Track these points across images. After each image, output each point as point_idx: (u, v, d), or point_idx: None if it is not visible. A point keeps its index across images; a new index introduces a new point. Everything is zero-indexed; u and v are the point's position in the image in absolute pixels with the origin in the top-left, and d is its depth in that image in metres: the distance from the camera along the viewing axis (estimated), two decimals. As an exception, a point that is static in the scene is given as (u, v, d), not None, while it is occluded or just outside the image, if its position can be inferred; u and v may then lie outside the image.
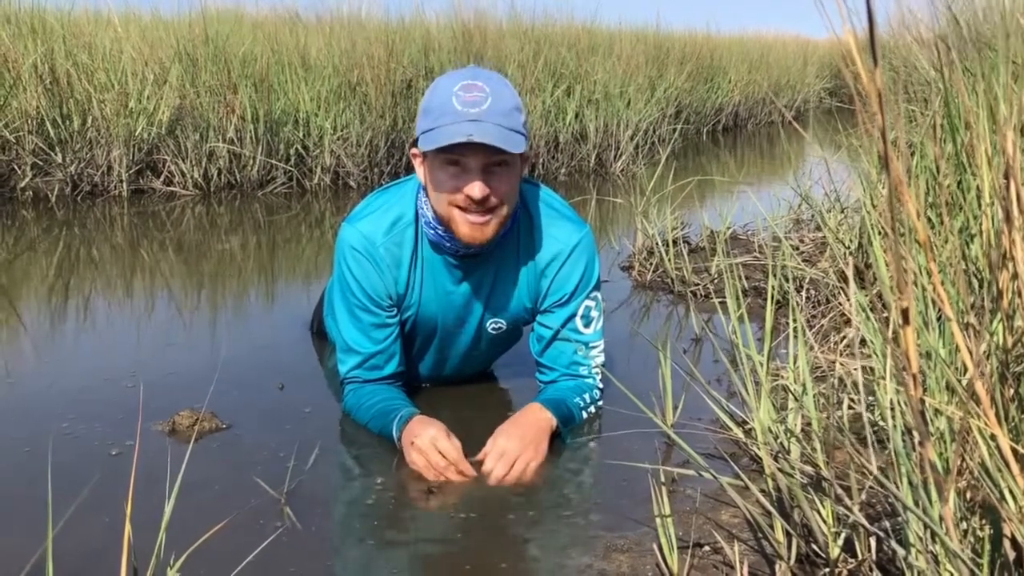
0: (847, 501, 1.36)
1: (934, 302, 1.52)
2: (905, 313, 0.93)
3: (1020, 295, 1.10)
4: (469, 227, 1.98)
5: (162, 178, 5.90)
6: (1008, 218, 1.07)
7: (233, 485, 1.89)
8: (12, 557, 1.55)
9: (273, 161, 6.13)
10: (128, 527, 1.26)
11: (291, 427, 2.21)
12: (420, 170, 2.06)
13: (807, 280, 3.10)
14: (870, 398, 1.79)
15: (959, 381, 1.20)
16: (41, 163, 5.56)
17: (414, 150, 2.06)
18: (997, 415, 1.10)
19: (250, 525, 1.70)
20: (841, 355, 2.31)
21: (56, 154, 5.54)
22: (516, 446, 1.96)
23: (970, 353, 1.06)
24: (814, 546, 1.49)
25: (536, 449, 1.99)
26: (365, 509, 1.81)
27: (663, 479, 1.82)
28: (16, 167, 5.53)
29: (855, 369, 1.56)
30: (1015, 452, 1.06)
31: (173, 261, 4.23)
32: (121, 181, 5.70)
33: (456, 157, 1.92)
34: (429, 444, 1.92)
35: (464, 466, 1.92)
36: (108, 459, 1.98)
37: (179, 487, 1.37)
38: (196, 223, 5.14)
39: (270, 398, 2.42)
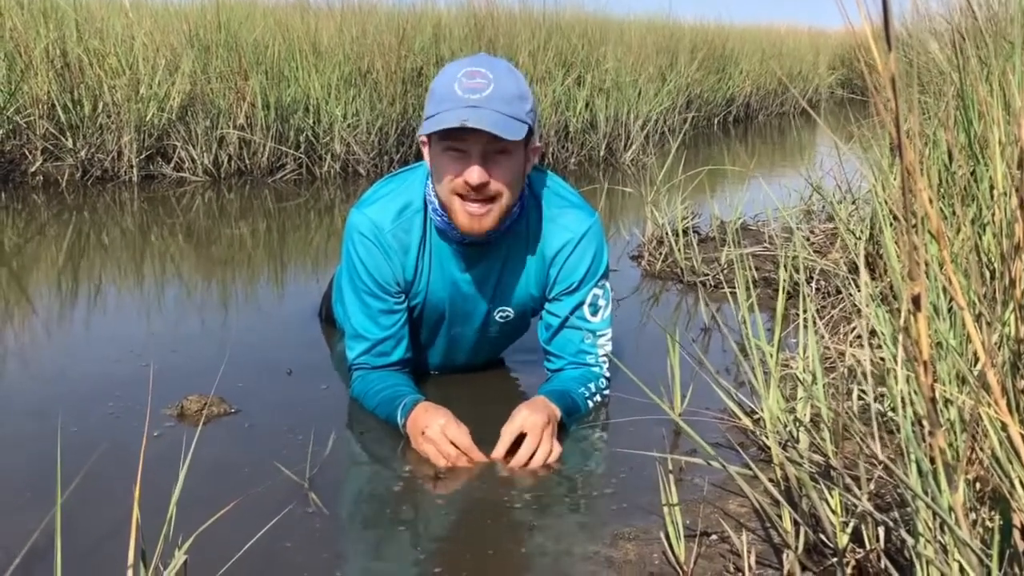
0: (856, 490, 1.36)
1: (945, 291, 1.52)
2: (917, 300, 0.92)
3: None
4: (467, 217, 1.97)
5: (172, 164, 5.90)
6: (1022, 207, 1.06)
7: (244, 469, 1.90)
8: (24, 540, 1.55)
9: (283, 148, 6.13)
10: (136, 509, 1.26)
11: (300, 412, 2.21)
12: (428, 157, 2.06)
13: (817, 271, 3.09)
14: (880, 388, 1.78)
15: (970, 371, 1.19)
16: (52, 148, 5.57)
17: (423, 137, 2.06)
18: (1008, 405, 1.09)
19: (268, 508, 1.70)
20: (851, 345, 2.30)
21: (67, 139, 5.55)
22: (541, 418, 1.95)
23: (982, 343, 1.05)
24: (822, 536, 1.49)
25: (553, 427, 1.99)
26: (389, 495, 1.81)
27: (671, 467, 1.82)
28: (27, 152, 5.54)
29: (865, 359, 1.56)
30: (1026, 442, 1.05)
31: (182, 247, 4.24)
32: (131, 167, 5.71)
33: (456, 144, 1.92)
34: (439, 433, 1.92)
35: (475, 453, 1.92)
36: (117, 443, 1.98)
37: (187, 471, 1.37)
38: (206, 209, 5.14)
39: (279, 383, 2.42)
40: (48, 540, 1.39)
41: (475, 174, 1.92)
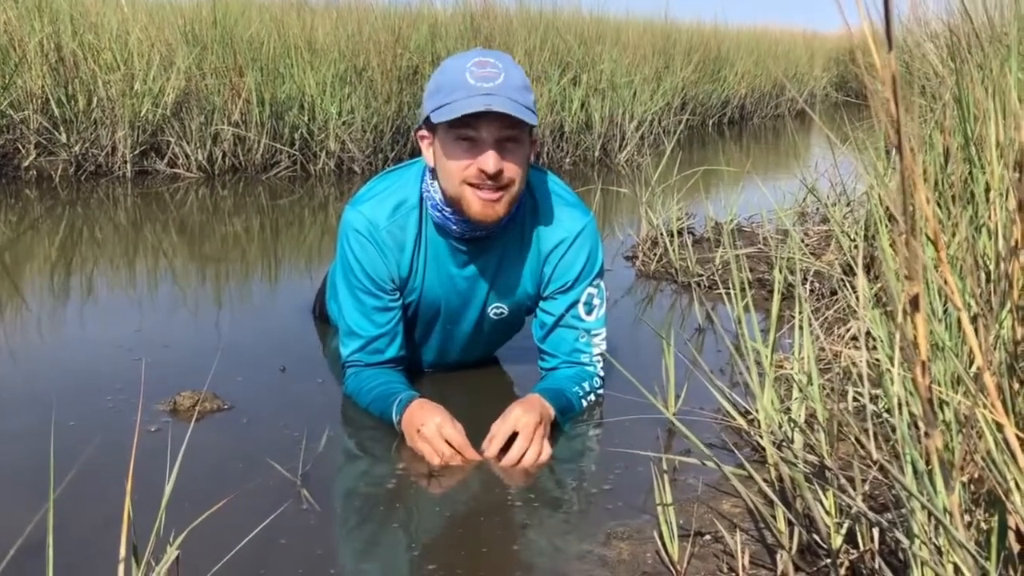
0: (850, 491, 1.36)
1: (940, 293, 1.52)
2: (915, 300, 0.92)
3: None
4: (481, 204, 1.97)
5: (166, 160, 5.89)
6: (1020, 207, 1.06)
7: (237, 465, 1.89)
8: (17, 535, 1.54)
9: (278, 145, 6.12)
10: (128, 505, 1.25)
11: (293, 409, 2.20)
12: (428, 152, 2.05)
13: (811, 273, 3.09)
14: (875, 390, 1.78)
15: (966, 372, 1.19)
16: (45, 142, 5.56)
17: (421, 132, 2.05)
18: (1005, 406, 1.09)
19: (261, 505, 1.69)
20: (846, 347, 2.30)
21: (60, 134, 5.53)
22: (534, 418, 1.94)
23: (979, 344, 1.05)
24: (816, 536, 1.48)
25: (546, 427, 1.98)
26: (382, 493, 1.81)
27: (665, 467, 1.82)
28: (20, 146, 5.52)
29: (860, 360, 1.56)
30: (1021, 442, 1.05)
31: (176, 243, 4.23)
32: (125, 162, 5.69)
33: (469, 132, 1.92)
34: (435, 432, 1.92)
35: (470, 453, 1.91)
36: (110, 438, 1.97)
37: (180, 467, 1.36)
38: (199, 205, 5.13)
39: (272, 380, 2.41)
40: (41, 535, 1.38)
41: (491, 160, 1.91)
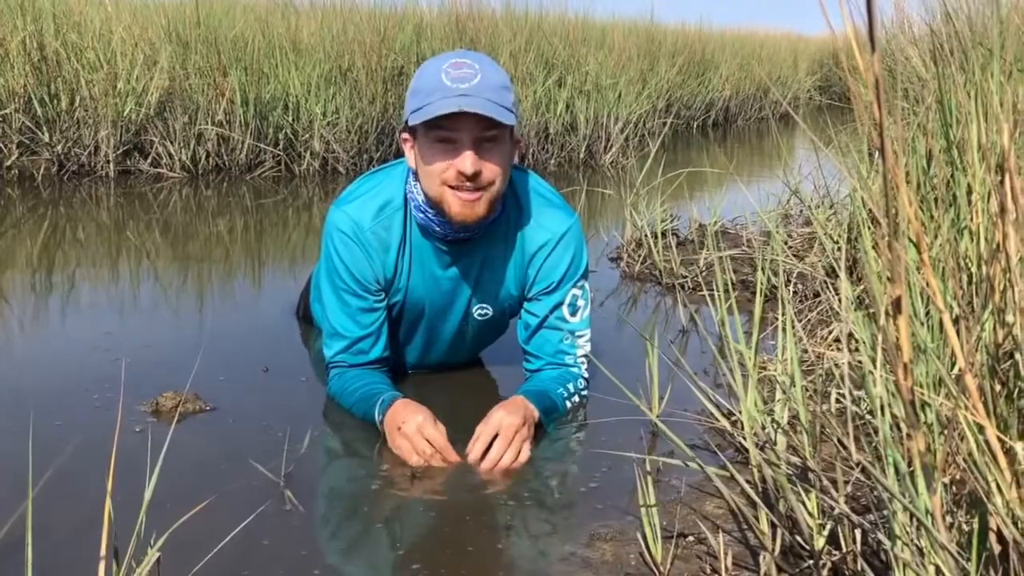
0: (833, 493, 1.36)
1: (922, 295, 1.52)
2: (898, 302, 0.92)
3: (1013, 287, 1.10)
4: (460, 205, 1.96)
5: (149, 159, 5.86)
6: (1002, 210, 1.07)
7: (219, 466, 1.88)
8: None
9: (262, 145, 6.10)
10: (108, 506, 1.24)
11: (276, 410, 2.19)
12: (410, 155, 2.05)
13: (795, 274, 3.10)
14: (857, 392, 1.79)
15: (948, 374, 1.19)
16: (27, 142, 5.53)
17: (404, 135, 2.05)
18: (986, 408, 1.09)
19: (243, 506, 1.68)
20: (829, 349, 2.31)
21: (43, 133, 5.50)
22: (516, 420, 1.94)
23: (960, 346, 1.06)
24: (799, 537, 1.49)
25: (529, 429, 1.98)
26: (366, 493, 1.80)
27: (648, 468, 1.82)
28: (2, 145, 5.49)
29: (843, 362, 1.56)
30: (1002, 444, 1.05)
31: (159, 243, 4.21)
32: (108, 162, 5.67)
33: (447, 133, 1.91)
34: (415, 430, 1.91)
35: (449, 453, 1.91)
36: (90, 439, 1.96)
37: (161, 468, 1.35)
38: (183, 205, 5.11)
39: (255, 381, 2.40)
40: (20, 536, 1.37)
41: (468, 161, 1.91)
